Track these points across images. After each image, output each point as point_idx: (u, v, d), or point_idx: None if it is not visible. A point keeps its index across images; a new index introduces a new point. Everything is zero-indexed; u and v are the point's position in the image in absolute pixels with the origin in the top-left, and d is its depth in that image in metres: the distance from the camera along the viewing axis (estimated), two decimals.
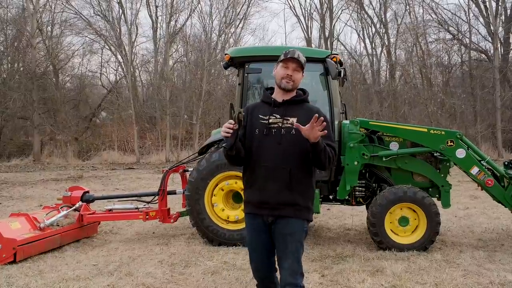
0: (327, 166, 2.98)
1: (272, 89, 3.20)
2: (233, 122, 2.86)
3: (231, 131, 2.86)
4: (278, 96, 3.09)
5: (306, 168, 3.01)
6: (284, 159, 2.94)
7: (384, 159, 6.33)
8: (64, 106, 27.66)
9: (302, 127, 2.80)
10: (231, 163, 3.11)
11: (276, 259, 3.13)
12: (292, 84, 3.03)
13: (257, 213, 3.05)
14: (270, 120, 3.02)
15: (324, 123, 2.76)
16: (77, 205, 6.85)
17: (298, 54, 3.01)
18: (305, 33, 32.71)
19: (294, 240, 2.99)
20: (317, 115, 2.77)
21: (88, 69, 32.06)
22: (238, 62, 6.60)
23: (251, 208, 3.09)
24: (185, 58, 30.02)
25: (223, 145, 3.05)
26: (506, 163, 6.67)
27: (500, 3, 24.37)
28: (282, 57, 3.04)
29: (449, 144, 6.16)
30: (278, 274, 3.16)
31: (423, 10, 27.83)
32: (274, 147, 2.94)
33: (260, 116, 3.05)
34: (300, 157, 2.97)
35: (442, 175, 6.39)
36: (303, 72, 3.07)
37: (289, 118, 2.99)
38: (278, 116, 3.01)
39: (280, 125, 2.98)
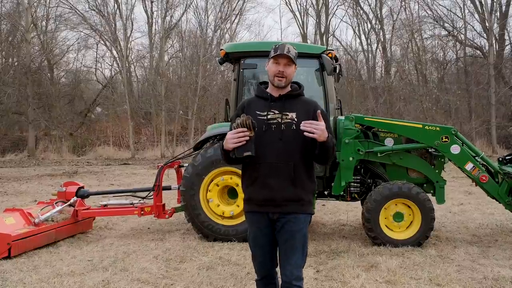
0: (329, 162, 2.97)
1: (265, 83, 3.13)
2: (246, 129, 2.75)
3: (247, 138, 2.77)
4: (273, 91, 3.01)
5: (307, 162, 2.98)
6: (286, 155, 2.88)
7: (379, 155, 6.35)
8: (59, 101, 27.54)
9: (313, 135, 2.75)
10: (231, 164, 3.05)
11: (278, 255, 3.07)
12: (284, 81, 2.95)
13: (261, 211, 2.97)
14: (269, 116, 2.94)
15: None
16: (72, 200, 6.84)
17: (288, 48, 2.93)
18: (301, 29, 32.79)
19: (301, 235, 2.96)
20: (319, 111, 2.84)
21: (83, 64, 32.19)
22: (234, 58, 6.61)
23: (253, 206, 3.00)
24: (180, 54, 29.99)
25: (238, 155, 2.81)
26: (500, 159, 6.71)
27: (495, 0, 24.42)
28: (272, 53, 2.96)
29: (444, 140, 6.18)
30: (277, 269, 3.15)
31: (418, 6, 27.92)
32: (275, 143, 2.88)
33: (257, 112, 2.96)
34: (302, 151, 2.93)
35: (437, 171, 6.41)
36: (295, 65, 3.01)
37: (288, 113, 2.94)
38: (277, 112, 2.94)
39: (280, 121, 2.91)
